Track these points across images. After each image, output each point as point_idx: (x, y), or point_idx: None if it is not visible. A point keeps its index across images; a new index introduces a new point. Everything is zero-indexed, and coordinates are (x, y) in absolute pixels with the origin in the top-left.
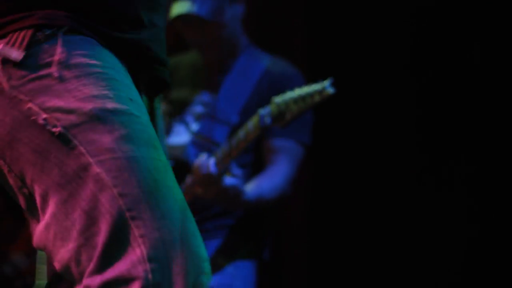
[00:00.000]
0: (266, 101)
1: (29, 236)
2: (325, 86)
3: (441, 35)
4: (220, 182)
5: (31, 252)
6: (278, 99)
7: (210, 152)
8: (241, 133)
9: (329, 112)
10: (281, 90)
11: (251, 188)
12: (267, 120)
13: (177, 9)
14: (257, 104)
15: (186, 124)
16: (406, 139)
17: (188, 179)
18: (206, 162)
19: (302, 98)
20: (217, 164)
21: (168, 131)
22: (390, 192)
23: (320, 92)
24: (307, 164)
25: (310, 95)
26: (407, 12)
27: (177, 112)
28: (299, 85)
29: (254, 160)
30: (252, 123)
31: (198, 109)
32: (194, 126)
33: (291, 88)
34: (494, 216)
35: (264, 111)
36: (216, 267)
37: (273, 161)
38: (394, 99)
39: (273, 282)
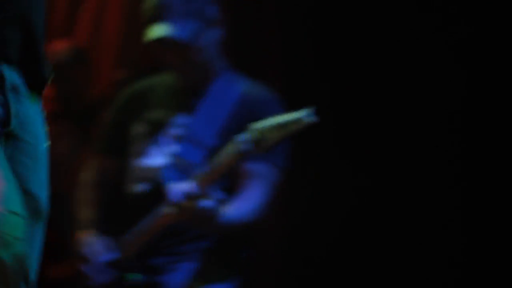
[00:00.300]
0: (243, 125)
1: None
2: (305, 114)
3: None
4: (196, 206)
5: None
6: (258, 125)
7: (186, 174)
8: (220, 158)
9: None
10: (258, 114)
11: (226, 211)
12: (248, 146)
13: (155, 32)
14: (235, 127)
15: (161, 146)
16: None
17: (164, 204)
18: (183, 186)
19: (283, 125)
20: (194, 188)
21: (144, 152)
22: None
23: (299, 120)
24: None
25: (291, 122)
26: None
27: (152, 133)
28: (275, 109)
29: (230, 184)
30: (231, 148)
31: (173, 131)
32: (170, 148)
33: (268, 112)
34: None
35: (243, 136)
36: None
37: (247, 185)
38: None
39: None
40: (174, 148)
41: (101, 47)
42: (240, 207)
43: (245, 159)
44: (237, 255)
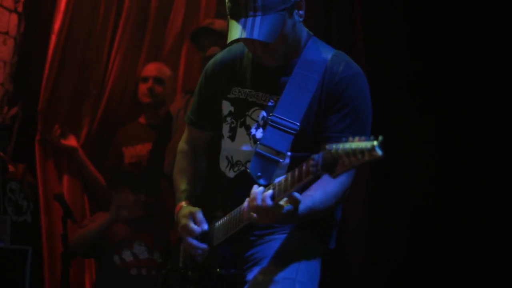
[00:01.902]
0: (325, 107)
1: (155, 233)
2: (375, 147)
3: None
4: (275, 213)
5: (152, 247)
6: (332, 147)
7: (274, 164)
8: (296, 175)
9: None
10: (339, 95)
11: (305, 202)
12: (319, 168)
13: (236, 30)
14: (318, 108)
15: (249, 130)
16: None
17: (245, 204)
18: (262, 194)
19: (354, 152)
20: (273, 198)
21: (232, 134)
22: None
23: (369, 151)
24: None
25: (361, 151)
26: None
27: (239, 113)
28: (357, 87)
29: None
30: (306, 166)
31: (261, 113)
32: (257, 134)
33: (349, 92)
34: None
35: (318, 156)
36: (281, 261)
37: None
38: None
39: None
40: (261, 134)
41: None
42: (317, 195)
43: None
44: (327, 227)
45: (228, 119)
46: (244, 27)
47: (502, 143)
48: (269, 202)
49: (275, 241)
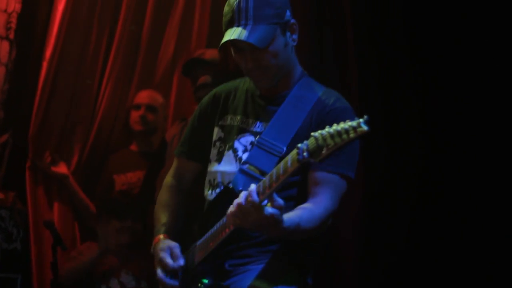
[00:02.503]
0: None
1: (142, 261)
2: (360, 122)
3: None
4: (259, 211)
5: (140, 276)
6: (316, 133)
7: (257, 182)
8: (280, 167)
9: None
10: (328, 125)
11: (290, 216)
12: (305, 154)
13: (227, 35)
14: (306, 136)
15: (236, 152)
16: None
17: (230, 209)
18: (249, 190)
19: (339, 133)
20: (258, 194)
21: (219, 157)
22: None
23: (355, 128)
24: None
25: (346, 131)
26: None
27: (228, 138)
28: (348, 119)
29: (299, 193)
30: (291, 156)
31: (248, 138)
32: (244, 155)
33: (338, 122)
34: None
35: (302, 145)
36: None
37: (315, 193)
38: None
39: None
40: (248, 155)
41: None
42: (304, 214)
43: (306, 167)
44: (306, 258)
45: (217, 143)
46: (234, 32)
47: (493, 144)
48: (255, 197)
49: (251, 272)
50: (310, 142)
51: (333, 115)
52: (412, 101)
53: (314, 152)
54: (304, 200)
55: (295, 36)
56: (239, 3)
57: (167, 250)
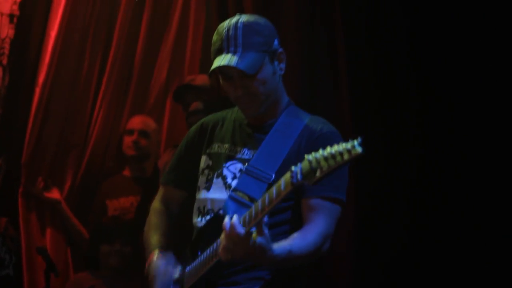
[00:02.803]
0: (302, 160)
1: (131, 286)
2: (354, 145)
3: None
4: (245, 242)
5: None
6: (309, 156)
7: (247, 209)
8: (273, 190)
9: None
10: (318, 149)
11: (282, 244)
12: (299, 177)
13: (217, 62)
14: (294, 162)
15: (225, 179)
16: None
17: (220, 239)
18: (232, 222)
19: (332, 156)
20: (248, 221)
21: (208, 184)
22: None
23: (349, 150)
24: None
25: (340, 153)
26: None
27: (217, 166)
28: (336, 144)
29: (293, 217)
30: (284, 180)
31: (237, 165)
32: (233, 182)
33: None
34: None
35: (296, 168)
36: None
37: (309, 219)
38: None
39: None
40: (237, 182)
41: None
42: (296, 241)
43: (299, 190)
44: (295, 285)
45: (206, 171)
46: (224, 58)
47: (486, 164)
48: (239, 229)
49: None
50: (303, 164)
51: (322, 140)
52: (405, 116)
53: (308, 174)
54: (299, 225)
55: (282, 65)
56: (228, 31)
57: (164, 260)
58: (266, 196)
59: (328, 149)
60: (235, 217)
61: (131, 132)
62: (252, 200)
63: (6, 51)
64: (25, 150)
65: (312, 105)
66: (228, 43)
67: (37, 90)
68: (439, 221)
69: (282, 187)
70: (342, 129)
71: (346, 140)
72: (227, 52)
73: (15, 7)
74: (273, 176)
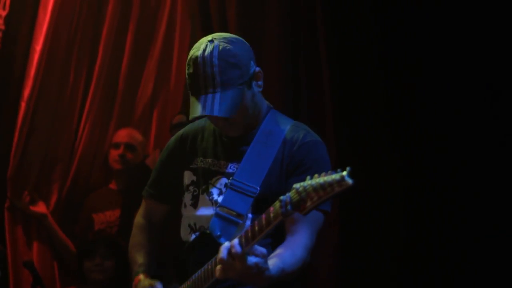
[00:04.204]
0: (286, 172)
1: None
2: (344, 176)
3: None
4: (243, 262)
5: None
6: (298, 185)
7: (233, 224)
8: (263, 219)
9: None
10: (300, 160)
11: (274, 262)
12: (289, 207)
13: (197, 108)
14: (278, 174)
15: (211, 196)
16: None
17: (213, 261)
18: (230, 243)
19: (322, 186)
20: (240, 245)
21: (195, 201)
22: None
23: (339, 182)
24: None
25: (330, 184)
26: None
27: (202, 182)
28: (318, 153)
29: (274, 230)
30: (273, 209)
31: (222, 180)
32: (219, 198)
33: (310, 157)
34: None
35: (285, 197)
36: None
37: (294, 231)
38: None
39: None
40: (221, 197)
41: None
42: (286, 257)
43: (288, 218)
44: None
45: (191, 188)
46: (204, 104)
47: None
48: (238, 249)
49: None
50: (292, 194)
51: (304, 150)
52: (389, 133)
53: (297, 204)
54: (281, 237)
55: (260, 82)
56: (204, 67)
57: (149, 282)
58: (257, 223)
59: (317, 179)
60: (235, 240)
61: (117, 145)
62: (239, 215)
63: None
64: (10, 164)
65: (295, 108)
66: (206, 83)
67: (23, 104)
68: (427, 245)
69: (272, 216)
70: (324, 135)
71: (328, 146)
72: (206, 93)
73: (1, 21)
74: (258, 189)
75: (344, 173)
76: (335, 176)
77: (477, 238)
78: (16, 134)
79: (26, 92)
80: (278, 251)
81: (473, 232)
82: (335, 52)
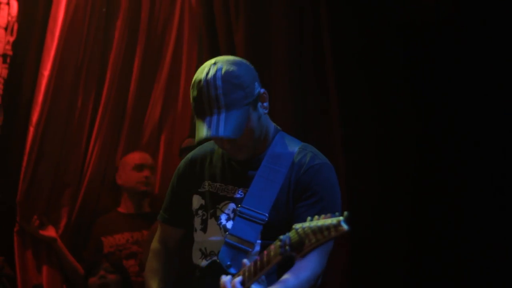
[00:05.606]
0: (293, 197)
1: None
2: (340, 221)
3: None
4: None
5: None
6: (297, 226)
7: (244, 253)
8: (264, 256)
9: None
10: (307, 184)
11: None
12: (288, 248)
13: (203, 130)
14: (286, 199)
15: (219, 221)
16: None
17: None
18: (231, 282)
19: (320, 229)
20: (243, 283)
21: (204, 226)
22: None
23: (335, 227)
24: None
25: (327, 228)
26: None
27: (210, 206)
28: (325, 176)
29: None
30: (274, 248)
31: (230, 206)
32: (228, 224)
33: (316, 181)
34: None
35: (285, 237)
36: None
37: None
38: None
39: None
40: (230, 223)
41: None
42: (290, 282)
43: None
44: None
45: (199, 212)
46: (209, 125)
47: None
48: (239, 286)
49: None
50: (292, 235)
51: (310, 174)
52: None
53: (297, 245)
54: (288, 264)
55: (266, 104)
56: (208, 90)
57: None
58: (258, 260)
59: (316, 221)
60: (237, 279)
61: (139, 167)
62: (249, 244)
63: (0, 91)
64: (19, 188)
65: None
66: (210, 105)
67: (31, 129)
68: (437, 262)
69: (272, 255)
70: (332, 157)
71: (335, 165)
72: (211, 115)
73: (8, 47)
74: (267, 216)
75: (341, 218)
76: (332, 221)
77: (490, 260)
78: (25, 158)
79: (35, 117)
80: (283, 277)
81: (486, 252)
82: (342, 64)
